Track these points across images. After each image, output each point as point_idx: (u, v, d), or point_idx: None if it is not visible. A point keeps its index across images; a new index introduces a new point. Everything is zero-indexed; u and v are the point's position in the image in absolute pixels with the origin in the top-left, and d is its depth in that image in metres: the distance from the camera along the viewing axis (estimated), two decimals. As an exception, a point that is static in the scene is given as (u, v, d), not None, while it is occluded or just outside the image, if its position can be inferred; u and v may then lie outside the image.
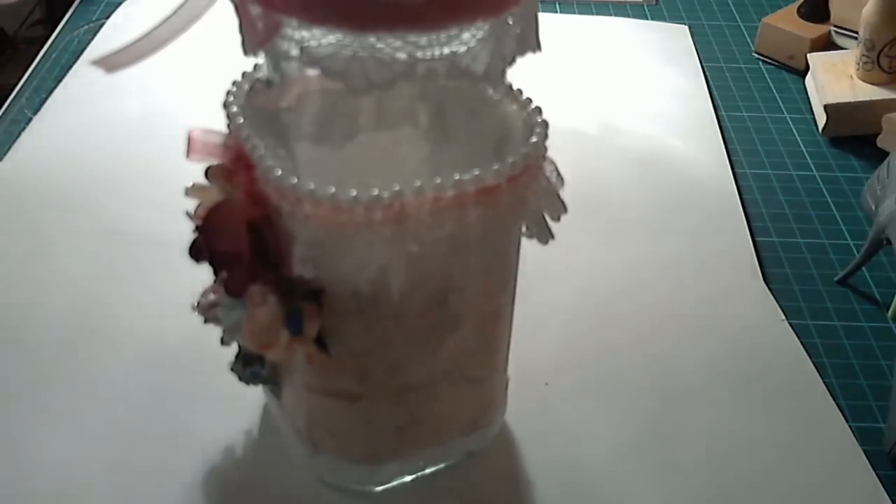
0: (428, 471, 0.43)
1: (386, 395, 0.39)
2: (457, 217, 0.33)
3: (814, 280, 0.56)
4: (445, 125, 0.37)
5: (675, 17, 0.83)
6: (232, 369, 0.42)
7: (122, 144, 0.64)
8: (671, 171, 0.64)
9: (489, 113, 0.37)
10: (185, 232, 0.36)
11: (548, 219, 0.37)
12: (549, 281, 0.54)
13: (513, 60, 0.33)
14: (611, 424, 0.46)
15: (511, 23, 0.32)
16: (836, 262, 0.57)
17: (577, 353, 0.50)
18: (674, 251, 0.57)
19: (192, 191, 0.36)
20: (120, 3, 0.80)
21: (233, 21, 0.33)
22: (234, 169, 0.35)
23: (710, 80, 0.74)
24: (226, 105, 0.36)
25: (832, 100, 0.67)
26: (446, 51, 0.31)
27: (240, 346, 0.40)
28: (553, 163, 0.37)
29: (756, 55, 0.78)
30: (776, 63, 0.77)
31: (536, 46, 0.33)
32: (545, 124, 0.35)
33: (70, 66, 0.71)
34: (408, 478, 0.43)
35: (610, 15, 0.83)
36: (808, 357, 0.50)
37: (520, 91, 0.37)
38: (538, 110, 0.36)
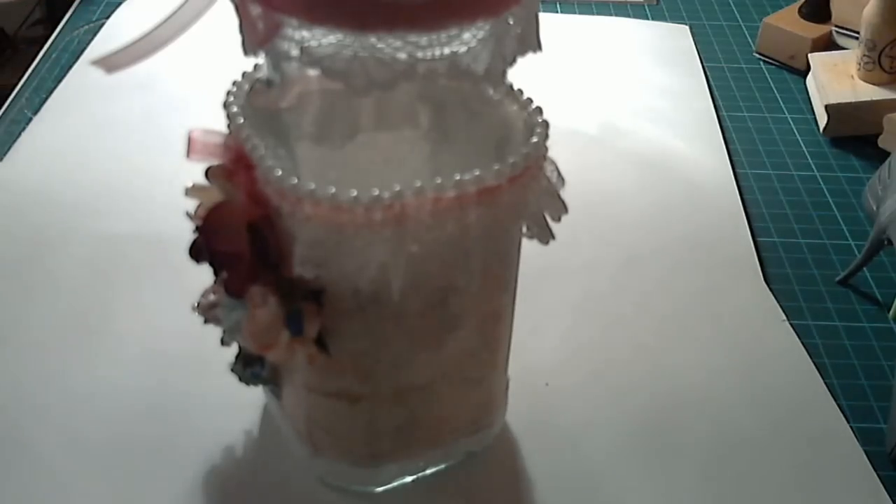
0: (428, 471, 0.43)
1: (386, 396, 0.39)
2: (457, 217, 0.33)
3: (815, 280, 0.56)
4: (446, 125, 0.37)
5: (675, 17, 0.83)
6: (232, 370, 0.42)
7: (122, 144, 0.64)
8: (672, 171, 0.64)
9: (490, 113, 0.37)
10: (186, 232, 0.36)
11: (548, 219, 0.37)
12: (550, 281, 0.54)
13: (513, 60, 0.33)
14: (611, 425, 0.46)
15: (512, 23, 0.32)
16: (837, 263, 0.57)
17: (578, 353, 0.50)
18: (674, 251, 0.57)
19: (192, 191, 0.36)
20: (120, 3, 0.80)
21: (233, 21, 0.33)
22: (234, 169, 0.35)
23: (710, 80, 0.74)
24: (226, 105, 0.36)
25: (833, 100, 0.67)
26: (447, 51, 0.31)
27: (240, 347, 0.40)
28: (554, 163, 0.36)
29: (757, 55, 0.78)
30: (777, 63, 0.77)
31: (537, 46, 0.33)
32: (546, 124, 0.35)
33: (70, 66, 0.71)
34: (408, 478, 0.43)
35: (611, 15, 0.83)
36: (808, 357, 0.50)
37: (520, 91, 0.37)
38: (539, 110, 0.36)
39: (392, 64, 0.30)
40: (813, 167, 0.65)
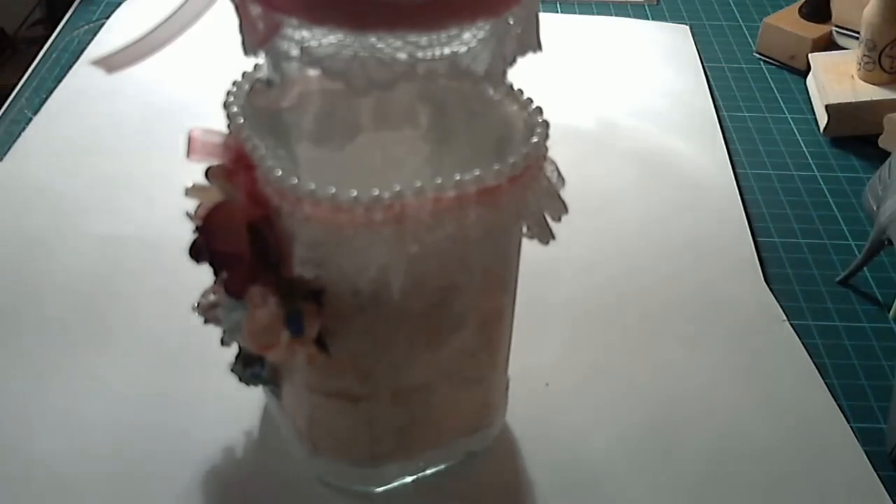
0: (429, 471, 0.43)
1: (386, 396, 0.39)
2: (457, 217, 0.33)
3: (815, 280, 0.56)
4: (446, 125, 0.37)
5: (676, 17, 0.83)
6: (232, 370, 0.42)
7: (122, 144, 0.64)
8: (672, 171, 0.64)
9: (490, 113, 0.37)
10: (186, 232, 0.36)
11: (548, 219, 0.37)
12: (550, 281, 0.54)
13: (514, 60, 0.33)
14: (611, 425, 0.46)
15: (512, 23, 0.32)
16: (838, 263, 0.57)
17: (578, 353, 0.50)
18: (674, 251, 0.57)
19: (192, 191, 0.36)
20: (120, 3, 0.80)
21: (233, 21, 0.33)
22: (234, 169, 0.35)
23: (711, 80, 0.74)
24: (226, 105, 0.36)
25: (833, 100, 0.67)
26: (447, 51, 0.31)
27: (240, 347, 0.40)
28: (554, 163, 0.36)
29: (757, 55, 0.78)
30: (777, 63, 0.77)
31: (537, 46, 0.33)
32: (546, 124, 0.35)
33: (70, 66, 0.71)
34: (408, 478, 0.43)
35: (611, 15, 0.83)
36: (809, 357, 0.50)
37: (520, 91, 0.37)
38: (539, 110, 0.36)
39: (392, 64, 0.30)
40: (813, 167, 0.65)
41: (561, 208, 0.37)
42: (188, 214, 0.36)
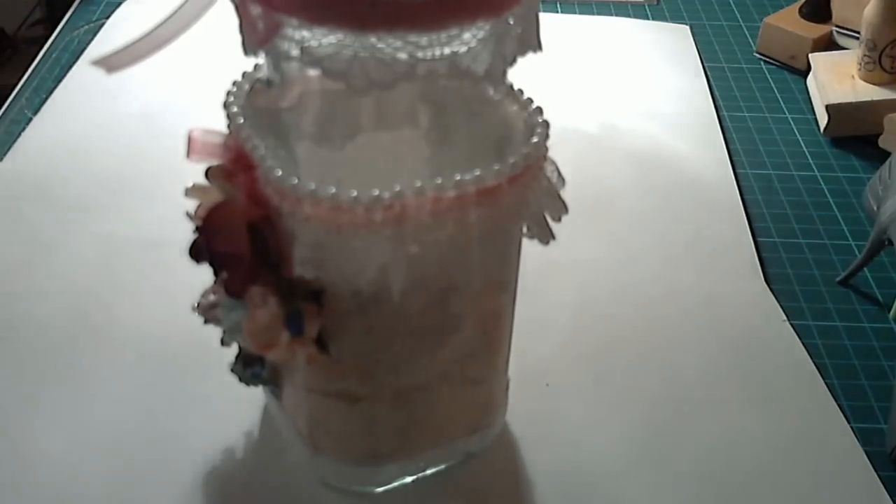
0: (429, 471, 0.43)
1: (387, 396, 0.39)
2: (457, 217, 0.33)
3: (815, 280, 0.56)
4: (446, 125, 0.37)
5: (676, 17, 0.83)
6: (232, 370, 0.42)
7: (122, 144, 0.64)
8: (672, 171, 0.64)
9: (490, 113, 0.37)
10: (186, 232, 0.36)
11: (549, 219, 0.37)
12: (550, 281, 0.54)
13: (514, 60, 0.33)
14: (611, 425, 0.46)
15: (512, 23, 0.32)
16: (838, 263, 0.57)
17: (578, 353, 0.50)
18: (675, 251, 0.57)
19: (192, 191, 0.36)
20: (120, 3, 0.80)
21: (233, 21, 0.33)
22: (234, 169, 0.35)
23: (711, 80, 0.74)
24: (226, 105, 0.36)
25: (834, 100, 0.67)
26: (447, 51, 0.31)
27: (240, 347, 0.40)
28: (554, 163, 0.36)
29: (757, 55, 0.78)
30: (778, 63, 0.77)
31: (537, 46, 0.33)
32: (546, 124, 0.35)
33: (70, 66, 0.71)
34: (409, 479, 0.43)
35: (611, 15, 0.83)
36: (809, 358, 0.50)
37: (521, 91, 0.37)
38: (539, 110, 0.36)
39: (392, 64, 0.30)
40: (813, 167, 0.65)
41: (561, 208, 0.37)
42: (188, 214, 0.36)
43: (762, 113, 0.71)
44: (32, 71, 0.72)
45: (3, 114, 0.67)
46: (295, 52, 0.31)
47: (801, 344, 0.51)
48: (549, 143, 0.35)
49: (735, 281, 0.55)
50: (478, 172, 0.33)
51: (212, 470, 0.43)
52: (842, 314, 0.53)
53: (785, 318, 0.52)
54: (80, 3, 0.81)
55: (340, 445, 0.41)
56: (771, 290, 0.54)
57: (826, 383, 0.49)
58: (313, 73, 0.32)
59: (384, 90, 0.30)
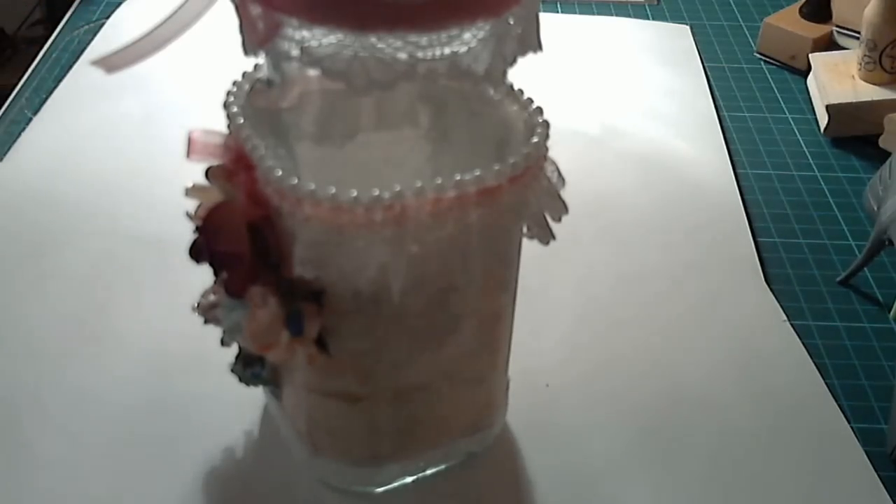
0: (429, 472, 0.43)
1: (387, 396, 0.39)
2: (457, 218, 0.33)
3: (815, 280, 0.56)
4: (446, 125, 0.37)
5: (676, 17, 0.83)
6: (232, 370, 0.42)
7: (123, 144, 0.64)
8: (672, 171, 0.64)
9: (490, 113, 0.37)
10: (186, 232, 0.36)
11: (549, 219, 0.37)
12: (550, 281, 0.54)
13: (514, 60, 0.33)
14: (612, 425, 0.46)
15: (512, 23, 0.32)
16: (838, 263, 0.57)
17: (578, 353, 0.50)
18: (675, 251, 0.57)
19: (192, 191, 0.36)
20: (120, 3, 0.80)
21: (233, 21, 0.33)
22: (234, 169, 0.35)
23: (711, 80, 0.74)
24: (226, 105, 0.36)
25: (834, 100, 0.67)
26: (447, 51, 0.31)
27: (240, 347, 0.40)
28: (554, 163, 0.36)
29: (758, 55, 0.78)
30: (778, 63, 0.77)
31: (537, 46, 0.33)
32: (546, 125, 0.35)
33: (70, 66, 0.71)
34: (409, 479, 0.43)
35: (611, 15, 0.83)
36: (809, 358, 0.50)
37: (521, 91, 0.37)
38: (539, 111, 0.36)
39: (392, 64, 0.30)
40: (814, 167, 0.65)
41: (561, 208, 0.37)
42: (188, 214, 0.36)
43: (762, 113, 0.71)
44: (32, 71, 0.72)
45: (3, 114, 0.67)
46: (295, 52, 0.31)
47: (801, 344, 0.51)
48: (550, 143, 0.35)
49: (735, 281, 0.55)
50: (478, 172, 0.33)
51: (212, 470, 0.43)
52: (842, 314, 0.53)
53: (785, 318, 0.52)
54: (80, 3, 0.81)
55: (340, 445, 0.41)
56: (771, 290, 0.54)
57: (826, 383, 0.49)
58: (313, 73, 0.32)
59: (384, 90, 0.30)
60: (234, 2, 0.32)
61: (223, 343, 0.39)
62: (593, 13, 0.83)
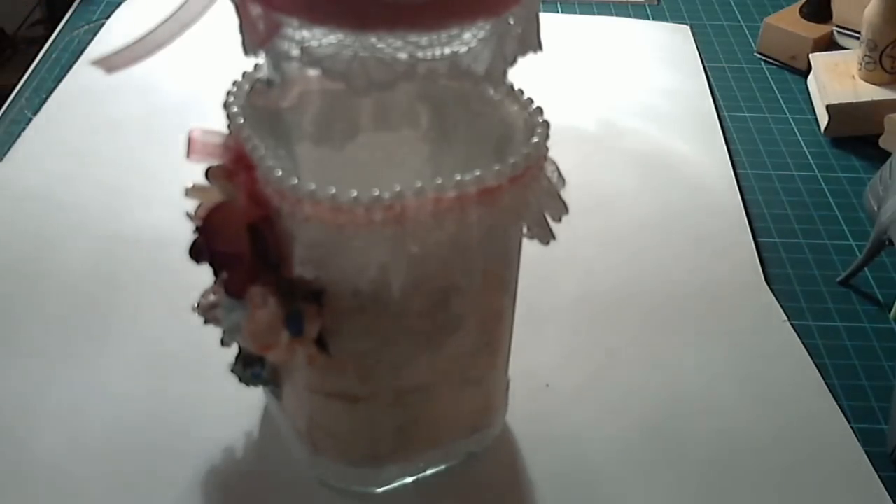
0: (429, 472, 0.43)
1: (387, 396, 0.39)
2: (458, 218, 0.33)
3: (815, 281, 0.56)
4: (446, 125, 0.37)
5: (676, 17, 0.83)
6: (232, 370, 0.42)
7: (122, 145, 0.64)
8: (673, 171, 0.64)
9: (490, 113, 0.37)
10: (186, 233, 0.36)
11: (549, 219, 0.37)
12: (551, 282, 0.54)
13: (514, 60, 0.33)
14: (612, 426, 0.46)
15: (512, 23, 0.32)
16: (838, 263, 0.57)
17: (578, 354, 0.50)
18: (675, 251, 0.57)
19: (192, 191, 0.36)
20: (120, 3, 0.80)
21: (233, 21, 0.33)
22: (234, 169, 0.35)
23: (711, 80, 0.74)
24: (226, 105, 0.36)
25: (834, 100, 0.67)
26: (447, 51, 0.31)
27: (240, 348, 0.40)
28: (554, 163, 0.36)
29: (758, 55, 0.78)
30: (778, 63, 0.77)
31: (538, 46, 0.33)
32: (546, 125, 0.35)
33: (70, 66, 0.71)
34: (409, 479, 0.43)
35: (611, 15, 0.83)
36: (809, 358, 0.50)
37: (521, 91, 0.37)
38: (539, 110, 0.36)
39: (392, 64, 0.30)
40: (814, 167, 0.65)
41: (561, 208, 0.37)
42: (188, 214, 0.36)
43: (763, 113, 0.71)
44: (32, 71, 0.72)
45: (3, 114, 0.67)
46: (295, 52, 0.31)
47: (801, 344, 0.51)
48: (550, 143, 0.35)
49: (735, 281, 0.55)
50: (478, 172, 0.33)
51: (212, 470, 0.43)
52: (842, 314, 0.53)
53: (785, 318, 0.52)
54: (80, 3, 0.81)
55: (340, 446, 0.41)
56: (771, 290, 0.54)
57: (826, 383, 0.48)
58: (313, 73, 0.32)
59: (384, 90, 0.30)
60: (234, 2, 0.32)
61: (223, 343, 0.39)
62: (593, 13, 0.83)
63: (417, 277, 0.34)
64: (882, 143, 0.66)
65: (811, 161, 0.66)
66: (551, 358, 0.49)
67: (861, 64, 0.68)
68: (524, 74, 0.35)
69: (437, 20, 0.30)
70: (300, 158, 0.36)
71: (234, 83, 0.37)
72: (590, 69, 0.74)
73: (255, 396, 0.45)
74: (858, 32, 0.69)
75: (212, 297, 0.38)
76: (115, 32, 0.75)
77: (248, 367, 0.41)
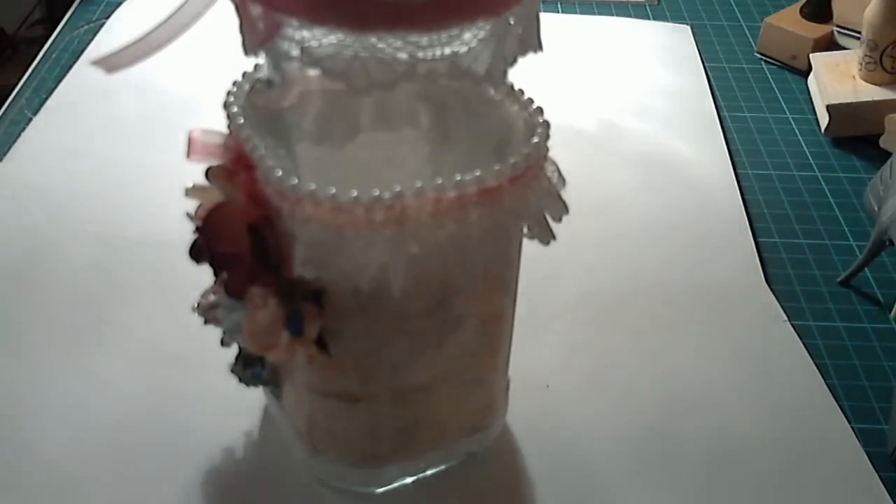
0: (429, 472, 0.43)
1: (387, 397, 0.39)
2: (458, 218, 0.33)
3: (816, 281, 0.56)
4: (446, 126, 0.37)
5: (677, 17, 0.83)
6: (232, 371, 0.41)
7: (122, 144, 0.64)
8: (673, 171, 0.64)
9: (490, 113, 0.37)
10: (186, 233, 0.36)
11: (549, 219, 0.37)
12: (551, 282, 0.54)
13: (514, 60, 0.33)
14: (612, 426, 0.46)
15: (512, 23, 0.32)
16: (839, 263, 0.57)
17: (578, 354, 0.50)
18: (675, 251, 0.57)
19: (192, 191, 0.36)
20: (120, 3, 0.80)
21: (233, 21, 0.33)
22: (234, 170, 0.35)
23: (712, 80, 0.74)
24: (226, 105, 0.36)
25: (834, 100, 0.67)
26: (447, 51, 0.31)
27: (240, 348, 0.40)
28: (554, 163, 0.36)
29: (758, 55, 0.78)
30: (778, 63, 0.77)
31: (538, 46, 0.33)
32: (546, 125, 0.35)
33: (70, 66, 0.71)
34: (409, 479, 0.43)
35: (612, 15, 0.83)
36: (809, 358, 0.50)
37: (521, 91, 0.37)
38: (539, 111, 0.36)
39: (392, 64, 0.30)
40: (814, 167, 0.65)
41: (562, 209, 0.37)
42: (188, 215, 0.36)
43: (763, 113, 0.71)
44: (32, 71, 0.72)
45: (3, 114, 0.67)
46: (295, 52, 0.31)
47: (801, 344, 0.51)
48: (550, 143, 0.35)
49: (736, 281, 0.55)
50: (478, 173, 0.33)
51: (211, 470, 0.43)
52: (842, 314, 0.53)
53: (785, 318, 0.52)
54: (80, 3, 0.81)
55: (340, 446, 0.41)
56: (771, 290, 0.54)
57: (827, 384, 0.48)
58: (313, 73, 0.32)
59: (384, 90, 0.30)
60: (234, 2, 0.32)
61: (223, 343, 0.39)
62: (594, 13, 0.83)
63: (417, 277, 0.34)
64: (882, 143, 0.66)
65: (811, 161, 0.66)
66: (551, 358, 0.49)
67: (861, 64, 0.68)
68: (524, 74, 0.35)
69: (437, 20, 0.30)
70: (300, 158, 0.36)
71: (234, 83, 0.37)
72: (590, 69, 0.74)
73: (255, 396, 0.45)
74: (859, 32, 0.69)
75: (212, 298, 0.38)
76: (115, 32, 0.75)
77: (248, 367, 0.41)
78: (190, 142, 0.35)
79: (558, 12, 0.83)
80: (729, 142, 0.67)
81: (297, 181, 0.32)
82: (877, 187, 0.55)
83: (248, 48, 0.33)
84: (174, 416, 0.45)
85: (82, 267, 0.54)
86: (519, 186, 0.34)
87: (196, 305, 0.39)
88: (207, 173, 0.35)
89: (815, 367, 0.49)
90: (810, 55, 0.73)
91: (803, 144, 0.68)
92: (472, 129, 0.37)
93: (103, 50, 0.34)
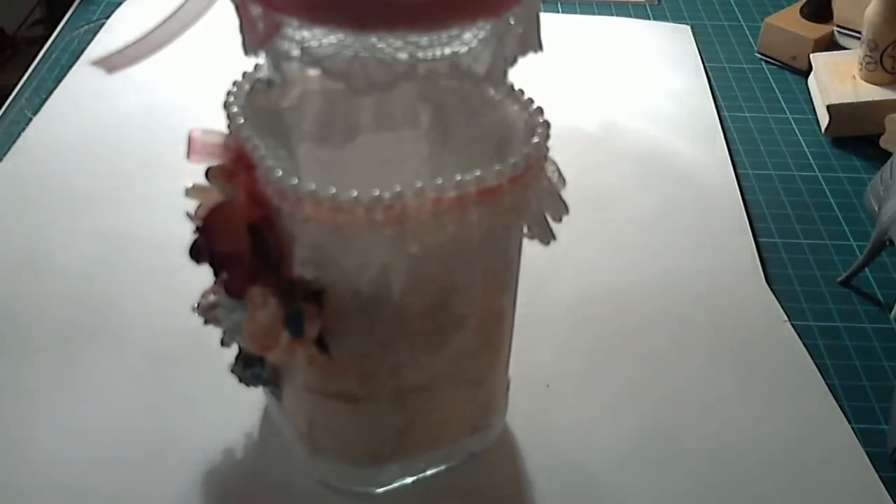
0: (429, 472, 0.43)
1: (387, 397, 0.39)
2: (458, 218, 0.33)
3: (816, 281, 0.55)
4: (446, 126, 0.37)
5: (677, 17, 0.83)
6: (232, 371, 0.41)
7: (122, 145, 0.64)
8: (673, 171, 0.64)
9: (490, 113, 0.37)
10: (186, 233, 0.36)
11: (549, 219, 0.37)
12: (551, 282, 0.54)
13: (514, 60, 0.33)
14: (612, 426, 0.46)
15: (513, 23, 0.32)
16: (839, 263, 0.57)
17: (578, 354, 0.50)
18: (675, 251, 0.57)
19: (192, 191, 0.36)
20: (120, 3, 0.80)
21: (233, 21, 0.33)
22: (234, 170, 0.35)
23: (712, 80, 0.74)
24: (226, 105, 0.36)
25: (835, 100, 0.67)
26: (448, 51, 0.31)
27: (240, 348, 0.40)
28: (555, 163, 0.36)
29: (759, 55, 0.78)
30: (779, 63, 0.77)
31: (538, 46, 0.33)
32: (547, 125, 0.35)
33: (70, 66, 0.71)
34: (409, 479, 0.43)
35: (612, 15, 0.83)
36: (810, 358, 0.50)
37: (521, 91, 0.37)
38: (540, 111, 0.36)
39: (393, 64, 0.30)
40: (814, 167, 0.65)
41: (562, 209, 0.37)
42: (188, 215, 0.36)
43: (763, 113, 0.71)
44: (32, 71, 0.72)
45: (3, 114, 0.67)
46: (295, 52, 0.31)
47: (801, 344, 0.51)
48: (550, 143, 0.35)
49: (736, 281, 0.55)
50: (478, 173, 0.33)
51: (212, 470, 0.43)
52: (843, 315, 0.53)
53: (786, 318, 0.52)
54: (80, 3, 0.81)
55: (340, 446, 0.41)
56: (772, 290, 0.54)
57: (827, 384, 0.48)
58: (313, 73, 0.32)
59: (384, 90, 0.30)
60: (234, 2, 0.32)
61: (223, 343, 0.39)
62: (594, 13, 0.83)
63: (417, 277, 0.34)
64: (882, 143, 0.66)
65: (812, 161, 0.66)
66: (551, 358, 0.49)
67: (862, 64, 0.68)
68: (524, 74, 0.35)
69: (437, 20, 0.30)
70: (300, 158, 0.36)
71: (234, 83, 0.37)
72: (590, 69, 0.74)
73: (255, 396, 0.45)
74: (859, 32, 0.69)
75: (212, 298, 0.38)
76: (115, 32, 0.75)
77: (248, 368, 0.41)
78: (190, 142, 0.35)
79: (558, 12, 0.83)
80: (729, 142, 0.67)
81: (297, 181, 0.32)
82: (877, 187, 0.55)
83: (248, 48, 0.33)
84: (174, 417, 0.45)
85: (82, 266, 0.54)
86: (519, 186, 0.34)
87: (196, 305, 0.39)
88: (207, 173, 0.35)
89: (815, 368, 0.49)
90: (810, 55, 0.73)
91: (803, 144, 0.68)
92: (472, 129, 0.37)
93: (103, 50, 0.34)
